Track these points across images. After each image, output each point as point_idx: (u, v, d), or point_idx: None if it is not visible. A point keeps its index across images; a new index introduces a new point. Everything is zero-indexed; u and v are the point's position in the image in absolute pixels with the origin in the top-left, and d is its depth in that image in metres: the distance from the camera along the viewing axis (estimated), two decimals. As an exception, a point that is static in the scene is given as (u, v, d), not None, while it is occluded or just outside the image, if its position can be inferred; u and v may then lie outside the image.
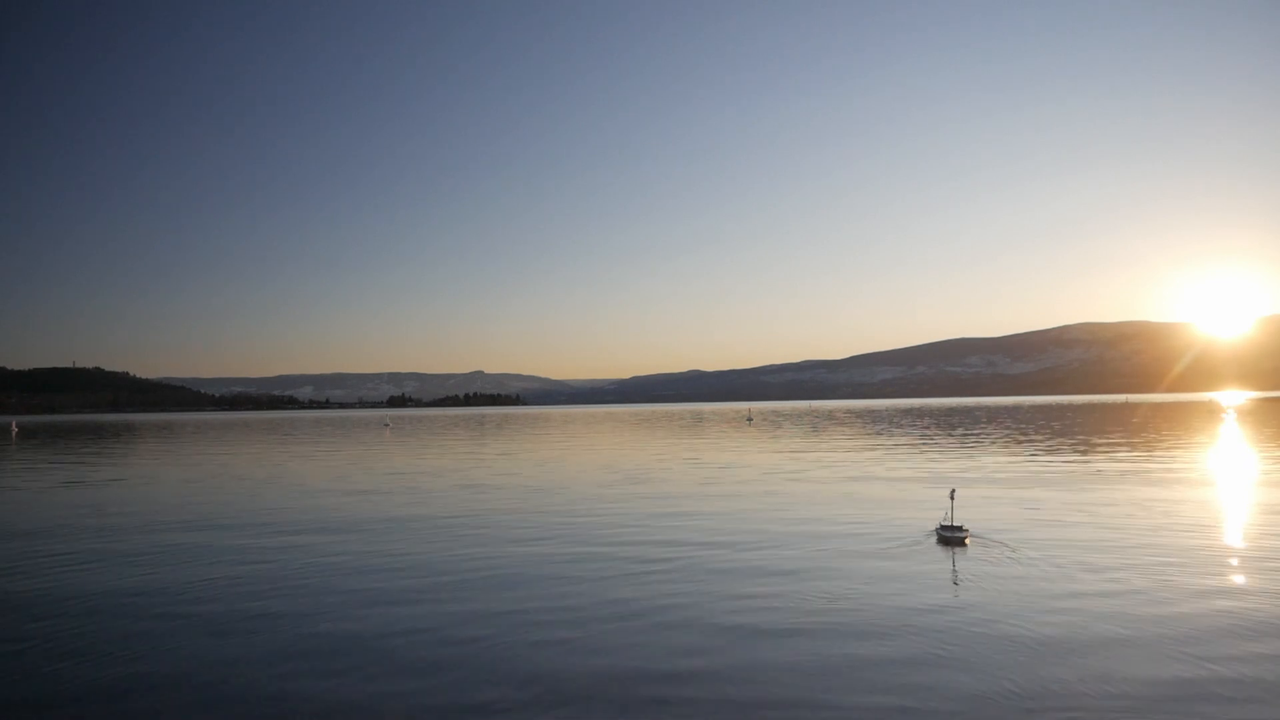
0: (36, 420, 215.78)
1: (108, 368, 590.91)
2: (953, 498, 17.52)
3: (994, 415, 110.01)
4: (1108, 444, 45.63)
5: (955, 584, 12.39)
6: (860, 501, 22.27)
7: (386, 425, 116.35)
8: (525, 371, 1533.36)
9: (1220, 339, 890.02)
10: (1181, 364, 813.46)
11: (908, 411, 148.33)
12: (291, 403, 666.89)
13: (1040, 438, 52.90)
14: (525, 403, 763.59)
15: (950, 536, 15.95)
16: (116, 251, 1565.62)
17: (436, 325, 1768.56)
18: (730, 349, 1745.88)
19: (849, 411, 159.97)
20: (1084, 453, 39.23)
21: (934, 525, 17.43)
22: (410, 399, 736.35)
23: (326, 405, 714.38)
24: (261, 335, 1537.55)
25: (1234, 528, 17.43)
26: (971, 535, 16.10)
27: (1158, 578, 12.40)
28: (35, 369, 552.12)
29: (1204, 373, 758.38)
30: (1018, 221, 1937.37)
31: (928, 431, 65.32)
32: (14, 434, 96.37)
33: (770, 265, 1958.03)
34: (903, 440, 53.47)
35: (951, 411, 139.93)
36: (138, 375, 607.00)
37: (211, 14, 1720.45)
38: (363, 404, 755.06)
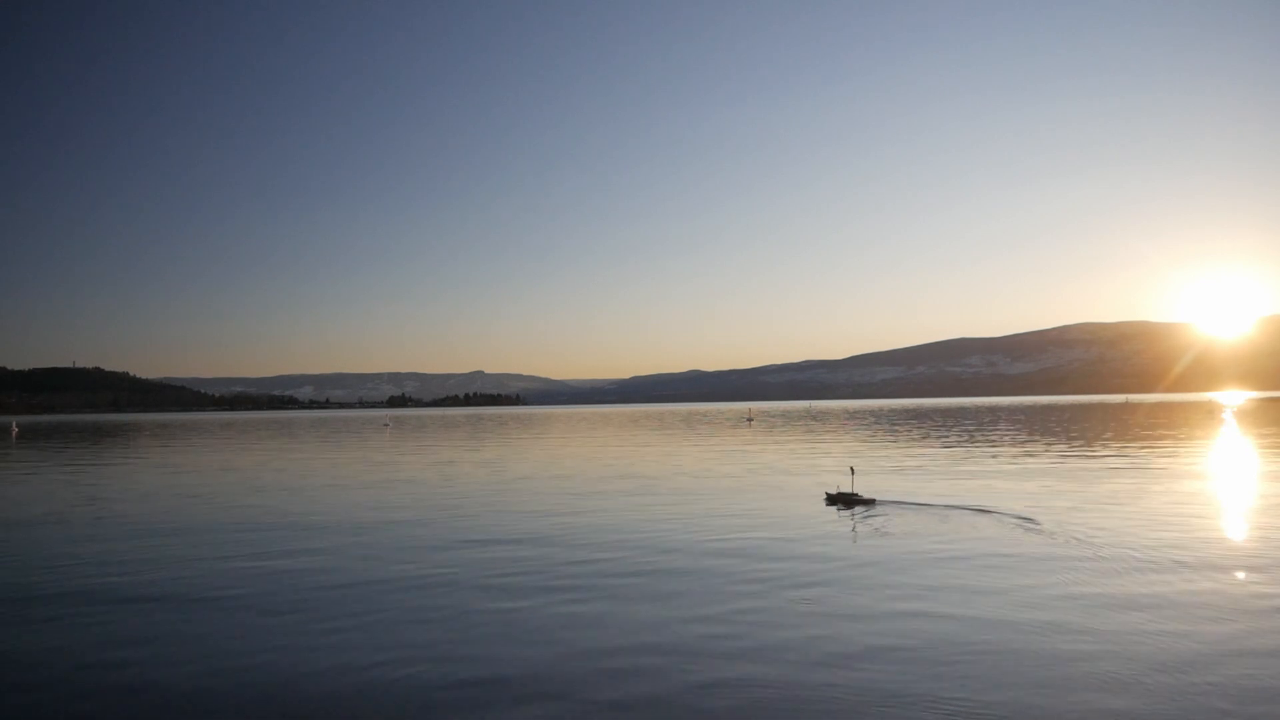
0: (37, 420, 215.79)
1: (108, 368, 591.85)
2: (852, 473, 22.88)
3: (994, 415, 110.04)
4: (1107, 442, 45.66)
5: (855, 537, 16.42)
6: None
7: (387, 425, 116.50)
8: (525, 371, 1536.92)
9: (1220, 339, 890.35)
10: (1181, 364, 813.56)
11: (909, 412, 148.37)
12: (291, 403, 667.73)
13: (1039, 436, 52.93)
14: (525, 403, 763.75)
15: (847, 499, 20.43)
16: (116, 251, 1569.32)
17: (436, 325, 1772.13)
18: (730, 349, 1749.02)
19: (848, 411, 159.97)
20: (1082, 450, 39.25)
21: (833, 491, 21.51)
22: (410, 399, 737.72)
23: (326, 405, 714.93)
24: (261, 335, 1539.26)
25: (1231, 516, 17.77)
26: (879, 500, 20.59)
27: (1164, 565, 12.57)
28: (35, 369, 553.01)
29: (1204, 373, 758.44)
30: (1018, 221, 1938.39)
31: (926, 430, 65.36)
32: (14, 434, 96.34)
33: (770, 265, 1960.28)
34: (904, 439, 53.52)
35: (951, 411, 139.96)
36: (138, 375, 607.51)
37: (212, 14, 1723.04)
38: (363, 404, 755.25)
